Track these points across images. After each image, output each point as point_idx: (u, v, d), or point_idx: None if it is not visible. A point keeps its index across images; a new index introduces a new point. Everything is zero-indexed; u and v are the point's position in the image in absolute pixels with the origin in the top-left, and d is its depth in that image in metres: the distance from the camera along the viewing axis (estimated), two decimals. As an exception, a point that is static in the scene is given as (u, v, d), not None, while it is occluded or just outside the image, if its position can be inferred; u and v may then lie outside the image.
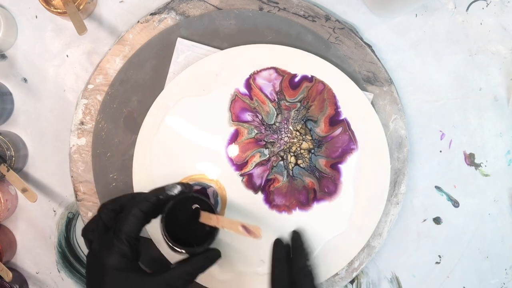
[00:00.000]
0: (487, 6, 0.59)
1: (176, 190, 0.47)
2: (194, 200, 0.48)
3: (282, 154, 0.55)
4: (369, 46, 0.57)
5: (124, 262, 0.42)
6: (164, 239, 0.46)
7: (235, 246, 0.54)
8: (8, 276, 0.52)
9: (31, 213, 0.58)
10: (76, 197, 0.56)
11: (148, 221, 0.45)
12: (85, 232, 0.46)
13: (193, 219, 0.48)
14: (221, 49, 0.55)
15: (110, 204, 0.46)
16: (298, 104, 0.55)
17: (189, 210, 0.48)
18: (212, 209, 0.48)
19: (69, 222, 0.58)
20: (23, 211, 0.58)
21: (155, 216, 0.46)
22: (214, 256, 0.47)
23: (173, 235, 0.46)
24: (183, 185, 0.48)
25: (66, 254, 0.58)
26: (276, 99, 0.55)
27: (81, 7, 0.53)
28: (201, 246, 0.46)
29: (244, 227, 0.44)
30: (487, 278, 0.59)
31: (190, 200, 0.48)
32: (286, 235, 0.55)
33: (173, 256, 0.53)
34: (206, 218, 0.47)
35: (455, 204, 0.59)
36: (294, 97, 0.55)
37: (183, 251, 0.46)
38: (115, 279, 0.41)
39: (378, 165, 0.55)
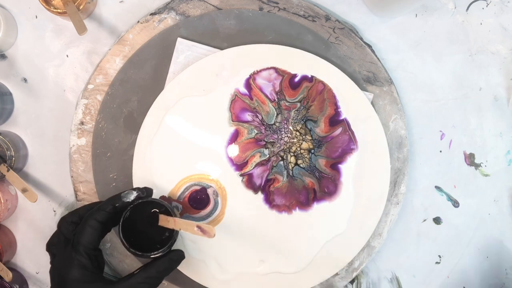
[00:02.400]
0: (487, 6, 0.59)
1: (132, 196, 0.47)
2: (151, 204, 0.48)
3: (282, 154, 0.55)
4: (369, 46, 0.57)
5: (86, 274, 0.42)
6: (124, 245, 0.46)
7: (235, 246, 0.55)
8: (8, 276, 0.52)
9: (31, 213, 0.58)
10: (76, 197, 0.56)
11: (108, 230, 0.46)
12: (48, 247, 0.46)
13: (153, 224, 0.48)
14: (221, 49, 0.55)
15: (69, 216, 0.46)
16: (298, 104, 0.55)
17: (148, 215, 0.48)
18: (169, 212, 0.48)
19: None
20: (23, 211, 0.58)
21: (114, 225, 0.46)
22: (177, 257, 0.48)
23: (133, 241, 0.46)
24: (140, 190, 0.47)
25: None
26: (276, 99, 0.55)
27: (81, 7, 0.53)
28: (162, 249, 0.46)
29: (199, 227, 0.45)
30: (487, 278, 0.59)
31: (148, 205, 0.48)
32: (286, 235, 0.55)
33: (144, 261, 0.53)
34: (164, 221, 0.47)
35: (455, 204, 0.59)
36: (294, 97, 0.55)
37: (150, 255, 0.46)
38: None
39: (378, 165, 0.55)
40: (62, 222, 0.46)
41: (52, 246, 0.46)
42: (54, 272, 0.44)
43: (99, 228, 0.44)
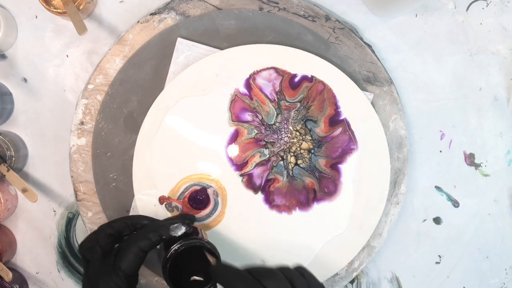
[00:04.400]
0: (487, 6, 0.59)
1: (180, 231, 0.46)
2: (198, 247, 0.46)
3: (282, 154, 0.55)
4: (369, 46, 0.57)
5: None
6: (169, 284, 0.45)
7: (235, 246, 0.54)
8: (8, 276, 0.52)
9: (31, 213, 0.58)
10: (76, 197, 0.56)
11: (146, 256, 0.45)
12: (82, 250, 0.46)
13: (195, 262, 0.47)
14: (221, 49, 0.55)
15: (108, 228, 0.46)
16: (298, 104, 0.55)
17: (191, 255, 0.47)
18: (216, 254, 0.46)
19: (69, 222, 0.58)
20: (23, 211, 0.58)
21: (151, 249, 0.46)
22: None
23: (174, 279, 0.45)
24: (187, 224, 0.47)
25: (66, 254, 0.58)
26: (276, 99, 0.55)
27: (81, 7, 0.53)
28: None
29: None
30: (487, 278, 0.59)
31: (194, 247, 0.46)
32: (286, 235, 0.55)
33: None
34: None
35: (455, 204, 0.59)
36: (294, 97, 0.55)
37: None
38: None
39: (378, 165, 0.55)
40: (100, 234, 0.46)
41: (86, 250, 0.46)
42: (88, 283, 0.45)
43: (142, 256, 0.44)
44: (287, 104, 0.55)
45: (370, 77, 0.56)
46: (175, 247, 0.44)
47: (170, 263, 0.44)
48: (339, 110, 0.55)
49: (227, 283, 0.42)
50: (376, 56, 0.57)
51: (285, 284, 0.41)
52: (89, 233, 0.51)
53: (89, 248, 0.46)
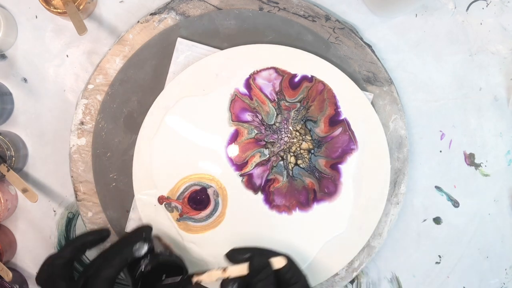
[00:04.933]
0: (487, 6, 0.59)
1: (143, 250, 0.46)
2: (163, 265, 0.47)
3: (282, 154, 0.55)
4: (369, 46, 0.57)
5: None
6: None
7: (235, 246, 0.54)
8: (8, 276, 0.52)
9: (31, 213, 0.58)
10: (76, 197, 0.56)
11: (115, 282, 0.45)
12: (41, 283, 0.45)
13: (162, 271, 0.48)
14: (221, 49, 0.55)
15: (60, 259, 0.45)
16: (298, 104, 0.55)
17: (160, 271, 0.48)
18: (182, 268, 0.48)
19: (69, 222, 0.58)
20: (23, 211, 0.58)
21: None
22: None
23: None
24: (148, 240, 0.47)
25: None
26: (276, 99, 0.55)
27: (81, 7, 0.53)
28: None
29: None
30: (487, 278, 0.59)
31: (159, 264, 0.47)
32: (286, 236, 0.55)
33: None
34: (208, 277, 0.46)
35: (455, 204, 0.59)
36: (294, 97, 0.55)
37: None
38: None
39: (378, 165, 0.55)
40: (56, 267, 0.45)
41: (48, 286, 0.45)
42: None
43: (112, 284, 0.44)
44: (287, 104, 0.55)
45: (370, 77, 0.56)
46: (141, 267, 0.45)
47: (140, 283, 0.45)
48: (339, 110, 0.55)
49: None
50: (376, 56, 0.57)
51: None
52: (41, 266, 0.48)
53: (48, 283, 0.45)
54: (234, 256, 0.47)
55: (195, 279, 0.45)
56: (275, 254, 0.47)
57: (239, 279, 0.45)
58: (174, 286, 0.47)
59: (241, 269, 0.45)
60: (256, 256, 0.46)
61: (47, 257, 0.46)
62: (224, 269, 0.45)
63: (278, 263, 0.46)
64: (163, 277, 0.47)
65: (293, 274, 0.46)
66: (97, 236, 0.48)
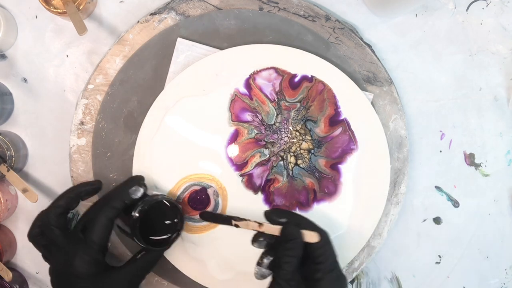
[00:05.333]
0: (487, 6, 0.59)
1: (139, 193, 0.48)
2: (161, 203, 0.50)
3: (282, 154, 0.55)
4: (369, 46, 0.57)
5: (99, 268, 0.45)
6: (137, 241, 0.48)
7: (235, 246, 0.54)
8: (8, 276, 0.52)
9: (31, 213, 0.58)
10: (76, 197, 0.56)
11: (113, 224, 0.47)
12: (34, 237, 0.47)
13: (158, 217, 0.50)
14: (221, 49, 0.55)
15: (56, 209, 0.47)
16: (298, 105, 0.55)
17: (154, 210, 0.50)
18: (176, 206, 0.51)
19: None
20: (23, 211, 0.58)
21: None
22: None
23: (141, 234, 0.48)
24: (143, 184, 0.49)
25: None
26: (276, 99, 0.55)
27: (81, 7, 0.53)
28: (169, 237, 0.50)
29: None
30: (487, 278, 0.59)
31: (156, 203, 0.50)
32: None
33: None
34: (245, 225, 0.48)
35: (455, 204, 0.59)
36: (294, 97, 0.55)
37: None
38: (90, 283, 0.44)
39: (378, 165, 0.55)
40: (51, 216, 0.47)
41: (41, 237, 0.47)
42: (59, 267, 0.46)
43: (110, 225, 0.46)
44: (287, 104, 0.55)
45: (370, 77, 0.56)
46: (139, 207, 0.47)
47: (139, 224, 0.47)
48: (339, 110, 0.55)
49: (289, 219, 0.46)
50: (376, 56, 0.57)
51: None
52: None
53: (42, 233, 0.46)
54: (272, 217, 0.47)
55: (233, 222, 0.48)
56: (312, 227, 0.47)
57: (269, 238, 0.47)
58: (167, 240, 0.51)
59: (274, 230, 0.46)
60: (290, 224, 0.46)
61: (40, 212, 0.48)
62: (261, 224, 0.46)
63: (310, 237, 0.45)
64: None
65: (322, 253, 0.45)
66: (90, 186, 0.50)
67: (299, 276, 0.44)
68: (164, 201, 0.50)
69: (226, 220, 0.49)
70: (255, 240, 0.47)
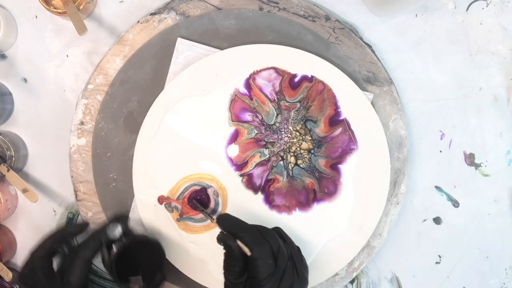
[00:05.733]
0: (487, 6, 0.59)
1: (117, 232, 0.47)
2: (138, 242, 0.49)
3: (282, 154, 0.55)
4: (369, 46, 0.57)
5: None
6: (116, 280, 0.47)
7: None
8: (8, 276, 0.52)
9: (31, 213, 0.58)
10: (76, 197, 0.56)
11: (91, 265, 0.46)
12: (22, 280, 0.46)
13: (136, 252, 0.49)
14: (221, 49, 0.55)
15: (40, 251, 0.46)
16: (298, 105, 0.55)
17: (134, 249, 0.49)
18: (159, 245, 0.50)
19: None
20: (23, 211, 0.58)
21: None
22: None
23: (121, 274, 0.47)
24: (123, 222, 0.48)
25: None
26: (276, 99, 0.55)
27: (81, 7, 0.53)
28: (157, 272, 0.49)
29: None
30: (487, 278, 0.59)
31: (134, 241, 0.49)
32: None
33: None
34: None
35: (455, 204, 0.59)
36: (294, 97, 0.55)
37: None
38: None
39: (378, 165, 0.55)
40: (35, 259, 0.46)
41: (27, 280, 0.46)
42: None
43: (87, 266, 0.45)
44: (287, 104, 0.55)
45: (370, 77, 0.56)
46: (113, 249, 0.46)
47: (115, 263, 0.46)
48: (339, 110, 0.55)
49: (231, 231, 0.46)
50: (376, 56, 0.57)
51: (278, 242, 0.45)
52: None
53: (28, 276, 0.45)
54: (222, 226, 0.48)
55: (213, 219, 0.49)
56: (253, 241, 0.45)
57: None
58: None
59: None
60: (228, 235, 0.46)
61: (28, 253, 0.47)
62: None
63: (245, 250, 0.45)
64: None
65: (253, 268, 0.44)
66: (77, 229, 0.49)
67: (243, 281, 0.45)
68: (145, 241, 0.49)
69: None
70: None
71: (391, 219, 0.57)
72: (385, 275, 0.59)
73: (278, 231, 0.49)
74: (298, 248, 0.49)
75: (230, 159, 0.55)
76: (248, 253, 0.44)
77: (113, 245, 0.46)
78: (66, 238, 0.48)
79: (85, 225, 0.49)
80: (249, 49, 0.55)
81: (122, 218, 0.49)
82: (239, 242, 0.45)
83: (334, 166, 0.55)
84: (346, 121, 0.55)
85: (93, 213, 0.56)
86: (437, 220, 0.59)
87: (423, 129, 0.59)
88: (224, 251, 0.46)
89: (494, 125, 0.59)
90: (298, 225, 0.55)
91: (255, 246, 0.44)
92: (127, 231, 0.48)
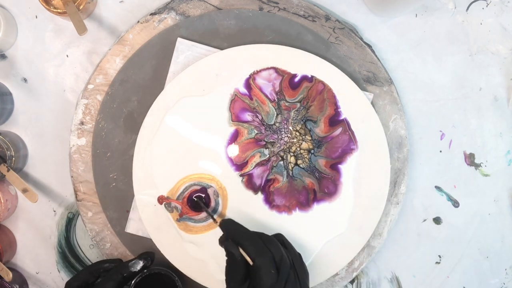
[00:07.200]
0: (487, 6, 0.59)
1: (139, 266, 0.50)
2: (156, 275, 0.52)
3: (282, 154, 0.55)
4: (369, 46, 0.57)
5: None
6: None
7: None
8: (8, 276, 0.52)
9: (31, 213, 0.58)
10: (76, 197, 0.56)
11: None
12: None
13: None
14: (221, 49, 0.55)
15: (75, 282, 0.49)
16: (298, 105, 0.55)
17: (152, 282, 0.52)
18: (173, 280, 0.52)
19: (69, 222, 0.58)
20: (23, 211, 0.58)
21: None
22: None
23: None
24: (145, 258, 0.51)
25: (66, 254, 0.58)
26: (276, 99, 0.55)
27: (81, 7, 0.53)
28: None
29: None
30: (487, 278, 0.59)
31: (153, 275, 0.51)
32: (286, 236, 0.55)
33: None
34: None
35: (455, 204, 0.59)
36: (294, 97, 0.55)
37: None
38: None
39: (378, 165, 0.55)
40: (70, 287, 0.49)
41: None
42: None
43: None
44: (287, 104, 0.55)
45: (370, 77, 0.56)
46: (136, 278, 0.50)
47: None
48: (339, 110, 0.55)
49: (234, 238, 0.46)
50: (376, 56, 0.57)
51: (281, 250, 0.46)
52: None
53: None
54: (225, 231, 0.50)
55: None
56: (253, 252, 0.46)
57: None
58: None
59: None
60: (230, 242, 0.47)
61: (66, 283, 0.50)
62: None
63: (247, 259, 0.45)
64: None
65: (254, 277, 0.44)
66: (110, 264, 0.52)
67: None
68: (167, 273, 0.51)
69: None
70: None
71: (391, 219, 0.57)
72: (385, 275, 0.59)
73: (280, 238, 0.49)
74: (299, 255, 0.49)
75: (230, 159, 0.55)
76: (251, 262, 0.45)
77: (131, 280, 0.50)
78: (100, 272, 0.51)
79: (117, 261, 0.52)
80: (249, 49, 0.55)
81: (148, 256, 0.51)
82: (241, 251, 0.45)
83: (334, 166, 0.55)
84: (346, 121, 0.55)
85: (93, 213, 0.56)
86: (437, 220, 0.59)
87: (423, 129, 0.59)
88: (226, 254, 0.47)
89: (494, 125, 0.59)
90: (298, 225, 0.55)
91: (258, 256, 0.44)
92: (148, 266, 0.51)
